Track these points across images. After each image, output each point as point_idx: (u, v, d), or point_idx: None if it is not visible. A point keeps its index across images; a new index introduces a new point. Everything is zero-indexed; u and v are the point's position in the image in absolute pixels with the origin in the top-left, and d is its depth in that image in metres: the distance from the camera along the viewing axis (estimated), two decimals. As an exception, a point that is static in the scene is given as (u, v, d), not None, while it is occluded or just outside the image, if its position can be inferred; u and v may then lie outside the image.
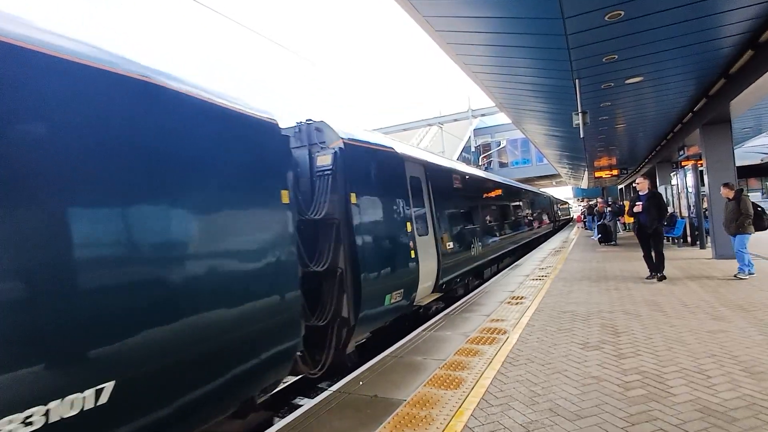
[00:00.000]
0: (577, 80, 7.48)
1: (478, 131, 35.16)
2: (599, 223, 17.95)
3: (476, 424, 2.97)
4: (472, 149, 26.98)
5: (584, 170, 24.65)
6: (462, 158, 28.05)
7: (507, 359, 4.22)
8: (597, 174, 22.66)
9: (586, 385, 3.48)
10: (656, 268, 7.80)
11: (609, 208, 17.44)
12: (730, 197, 7.87)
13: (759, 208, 7.65)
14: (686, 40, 6.28)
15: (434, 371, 4.05)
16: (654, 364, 3.82)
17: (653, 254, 7.89)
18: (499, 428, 2.88)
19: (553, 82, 8.33)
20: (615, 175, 23.04)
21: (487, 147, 36.47)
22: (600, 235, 16.99)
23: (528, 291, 7.77)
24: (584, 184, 34.88)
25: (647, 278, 7.91)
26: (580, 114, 7.47)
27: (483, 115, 30.59)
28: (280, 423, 3.17)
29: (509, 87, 9.14)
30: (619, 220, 17.41)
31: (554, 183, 47.04)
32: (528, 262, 12.79)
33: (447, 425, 2.97)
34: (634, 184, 7.42)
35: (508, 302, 6.93)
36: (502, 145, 35.74)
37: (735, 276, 7.53)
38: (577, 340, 4.66)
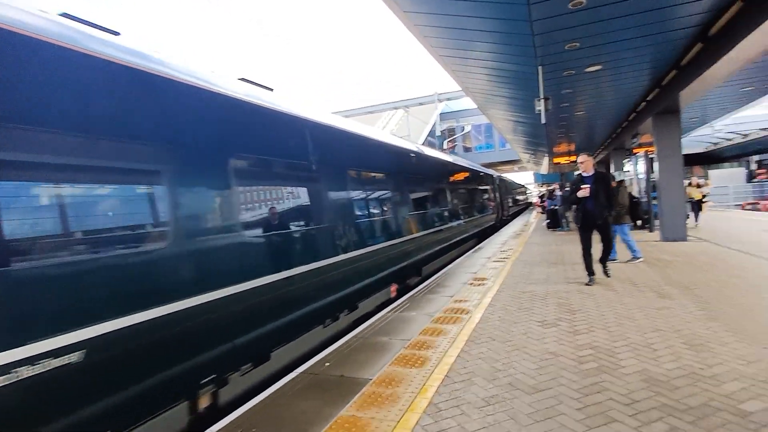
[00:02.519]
0: (540, 67, 7.63)
1: (443, 116, 35.41)
2: (549, 208, 17.47)
3: (440, 399, 3.06)
4: (438, 134, 27.11)
5: (545, 156, 25.41)
6: (427, 142, 28.18)
7: (470, 338, 4.35)
8: (556, 160, 23.40)
9: (543, 360, 3.65)
10: (603, 259, 6.59)
11: (560, 193, 17.08)
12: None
13: (634, 199, 8.26)
14: (643, 30, 6.53)
15: (399, 351, 4.12)
16: (606, 339, 4.05)
17: (603, 247, 6.53)
18: (462, 403, 2.99)
19: (517, 68, 8.47)
20: (573, 161, 23.90)
21: (452, 132, 36.85)
22: (549, 221, 16.85)
23: (490, 272, 8.01)
24: (544, 169, 36.01)
25: (587, 284, 6.33)
26: (542, 100, 7.64)
27: (449, 99, 30.80)
28: (246, 405, 3.15)
29: (475, 71, 9.22)
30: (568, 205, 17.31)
31: (516, 168, 48.26)
32: (490, 245, 13.14)
33: (412, 402, 3.05)
34: (578, 163, 6.81)
35: (471, 283, 7.12)
36: (466, 130, 36.17)
37: (630, 261, 7.93)
38: (536, 318, 4.86)
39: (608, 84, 9.54)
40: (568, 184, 27.00)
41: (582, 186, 6.27)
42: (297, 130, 5.03)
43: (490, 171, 22.06)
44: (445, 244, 10.82)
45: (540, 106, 7.62)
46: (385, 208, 7.53)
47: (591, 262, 6.44)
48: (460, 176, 14.31)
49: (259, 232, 4.16)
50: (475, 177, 16.99)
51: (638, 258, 7.97)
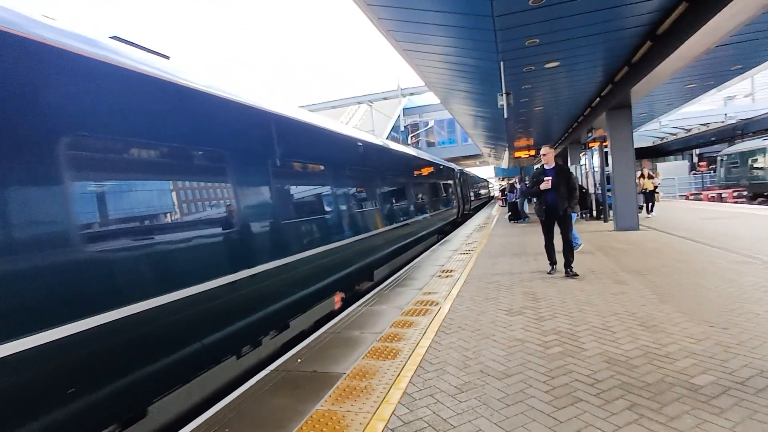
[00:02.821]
0: (502, 62, 7.81)
1: (407, 111, 35.64)
2: (510, 201, 18.08)
3: (414, 389, 3.10)
4: (402, 128, 27.22)
5: (505, 150, 26.11)
6: (391, 137, 28.29)
7: (440, 328, 4.43)
8: (516, 154, 24.09)
9: (511, 347, 3.77)
10: (566, 262, 6.38)
11: (518, 186, 17.72)
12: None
13: (584, 189, 8.61)
14: (596, 28, 6.81)
15: (372, 344, 4.14)
16: (568, 324, 4.23)
17: (562, 243, 6.40)
18: (436, 392, 3.04)
19: (479, 62, 8.63)
20: (532, 156, 24.69)
21: (415, 127, 37.15)
22: (510, 213, 17.51)
23: (457, 264, 8.17)
24: (505, 164, 37.02)
25: (549, 273, 6.58)
26: (504, 95, 7.83)
27: (412, 94, 31.00)
28: (217, 405, 3.07)
29: (438, 66, 9.31)
30: (528, 198, 17.86)
31: (478, 163, 49.32)
32: (456, 237, 13.39)
33: (386, 393, 3.07)
34: (540, 155, 6.89)
35: (439, 275, 7.24)
36: (429, 125, 36.56)
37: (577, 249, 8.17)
38: (503, 307, 5.01)
39: (565, 80, 9.90)
40: (527, 178, 27.89)
41: (544, 178, 6.30)
42: (186, 104, 3.68)
43: (451, 164, 20.79)
44: (402, 243, 9.90)
45: (503, 100, 7.81)
46: (325, 206, 6.35)
47: (553, 253, 6.63)
48: (418, 170, 13.19)
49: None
50: (435, 170, 15.79)
51: (578, 245, 8.15)
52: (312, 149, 6.22)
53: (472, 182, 30.14)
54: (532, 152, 23.50)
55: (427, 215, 13.02)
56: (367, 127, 26.03)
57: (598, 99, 11.74)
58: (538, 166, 6.85)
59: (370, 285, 7.64)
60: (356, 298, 6.25)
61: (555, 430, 2.43)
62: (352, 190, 7.45)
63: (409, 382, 3.24)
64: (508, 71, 8.09)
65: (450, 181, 18.56)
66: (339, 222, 6.67)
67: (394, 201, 9.90)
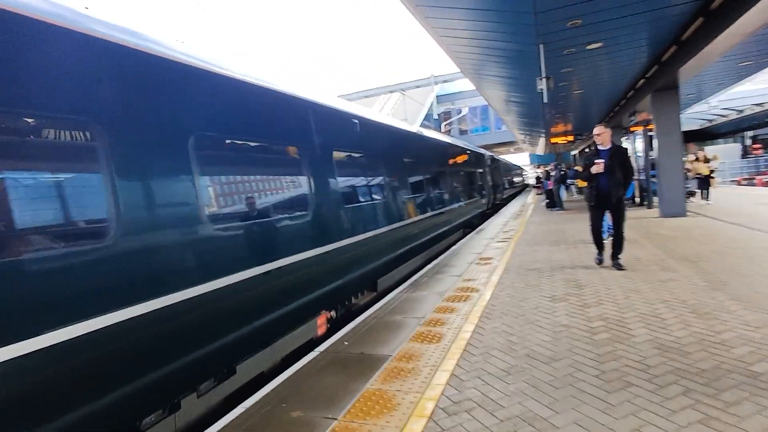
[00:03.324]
0: (541, 45, 7.62)
1: (440, 98, 35.24)
2: (546, 188, 17.54)
3: (461, 372, 3.17)
4: (435, 116, 26.97)
5: (541, 136, 25.44)
6: (423, 126, 28.10)
7: (483, 314, 4.46)
8: (553, 140, 23.45)
9: (557, 332, 3.76)
10: (614, 252, 5.93)
11: (554, 173, 17.08)
12: None
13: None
14: (644, 6, 6.51)
15: (415, 328, 4.22)
16: (615, 311, 4.17)
17: (614, 233, 5.96)
18: (483, 374, 3.10)
19: (517, 47, 8.45)
20: (570, 141, 23.96)
21: (447, 115, 36.73)
22: (547, 200, 17.09)
23: (495, 252, 8.12)
24: (540, 150, 36.10)
25: (597, 261, 6.17)
26: (544, 79, 7.64)
27: (445, 81, 30.60)
28: (272, 383, 3.24)
29: (474, 51, 9.18)
30: (565, 185, 17.19)
31: (512, 150, 48.29)
32: (491, 225, 13.25)
33: (434, 375, 3.15)
34: (594, 135, 5.91)
35: (477, 263, 7.23)
36: (463, 113, 36.03)
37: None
38: (545, 294, 4.98)
39: (608, 62, 9.53)
40: (563, 165, 26.91)
41: (596, 161, 5.65)
42: None
43: (480, 150, 18.29)
44: (415, 243, 8.06)
45: (542, 85, 7.63)
46: (314, 198, 4.69)
47: (601, 239, 6.13)
48: (437, 155, 11.08)
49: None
50: (459, 155, 13.45)
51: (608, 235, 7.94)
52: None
53: (504, 169, 27.90)
54: (570, 138, 22.80)
55: (449, 208, 10.97)
56: (400, 116, 25.90)
57: (642, 80, 11.24)
58: (587, 147, 6.72)
59: (372, 297, 6.33)
60: (354, 315, 5.18)
61: (607, 412, 2.44)
62: (340, 179, 5.39)
63: (456, 364, 3.30)
64: (547, 54, 7.87)
65: (479, 169, 16.42)
66: (342, 220, 5.31)
67: (404, 192, 7.83)
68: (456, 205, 11.71)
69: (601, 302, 4.49)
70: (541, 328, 3.89)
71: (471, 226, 13.65)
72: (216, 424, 2.70)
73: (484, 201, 16.53)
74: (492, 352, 3.48)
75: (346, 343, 4.01)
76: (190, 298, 2.95)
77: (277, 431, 2.58)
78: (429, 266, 7.48)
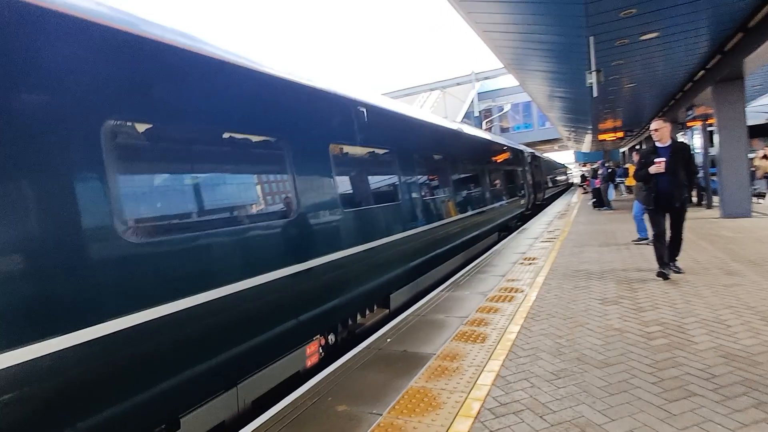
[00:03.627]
0: (591, 37, 7.31)
1: (481, 95, 34.60)
2: (594, 187, 16.92)
3: (507, 373, 3.09)
4: (475, 114, 26.52)
5: (587, 133, 24.46)
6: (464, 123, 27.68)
7: (528, 315, 4.33)
8: (601, 137, 22.51)
9: (609, 336, 3.59)
10: (671, 254, 5.42)
11: (600, 172, 16.32)
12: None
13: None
14: (707, -9, 6.12)
15: (458, 328, 4.16)
16: (673, 316, 3.93)
17: (670, 237, 5.35)
18: (531, 376, 3.00)
19: (564, 39, 8.16)
20: (619, 138, 22.91)
21: (488, 112, 36.02)
22: (594, 200, 16.44)
23: (539, 252, 7.88)
24: (586, 147, 34.72)
25: (659, 274, 5.25)
26: (594, 73, 7.32)
27: (487, 78, 29.99)
28: (317, 377, 3.29)
29: (519, 46, 8.95)
30: (613, 183, 16.41)
31: (556, 147, 46.77)
32: (535, 225, 12.88)
33: (479, 375, 3.09)
34: (651, 131, 5.26)
35: (521, 263, 7.04)
36: (505, 110, 35.20)
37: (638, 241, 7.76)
38: (595, 296, 4.77)
39: (663, 52, 9.01)
40: (611, 163, 25.69)
41: (655, 159, 5.07)
42: None
43: (518, 146, 16.79)
44: (436, 251, 6.82)
45: (591, 78, 7.32)
46: (303, 200, 3.77)
47: (664, 250, 5.32)
48: (465, 150, 9.52)
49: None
50: (492, 151, 11.98)
51: (645, 239, 7.64)
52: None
53: (547, 167, 26.00)
54: (619, 134, 21.81)
55: (480, 210, 9.46)
56: (440, 114, 25.68)
57: (702, 72, 10.54)
58: (640, 144, 6.26)
59: (382, 316, 5.34)
60: (360, 337, 4.54)
61: (668, 422, 2.30)
62: (339, 178, 4.42)
63: (501, 365, 3.22)
64: (598, 46, 7.54)
65: (517, 167, 14.89)
66: (345, 226, 4.38)
67: (423, 192, 6.56)
68: (488, 207, 10.13)
69: (657, 306, 4.24)
70: (591, 332, 3.73)
71: (507, 229, 12.50)
72: (266, 412, 2.78)
73: (522, 201, 14.81)
74: (540, 354, 3.37)
75: (388, 340, 4.01)
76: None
77: (325, 423, 2.61)
78: (470, 266, 7.35)
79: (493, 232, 10.95)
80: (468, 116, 31.43)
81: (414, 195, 6.18)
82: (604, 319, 4.00)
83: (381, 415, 2.65)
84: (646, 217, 6.71)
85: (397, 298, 5.58)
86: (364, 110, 5.06)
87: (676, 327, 3.65)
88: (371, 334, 4.25)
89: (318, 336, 4.04)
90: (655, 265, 5.35)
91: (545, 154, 31.71)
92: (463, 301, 5.15)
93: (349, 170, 4.83)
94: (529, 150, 18.80)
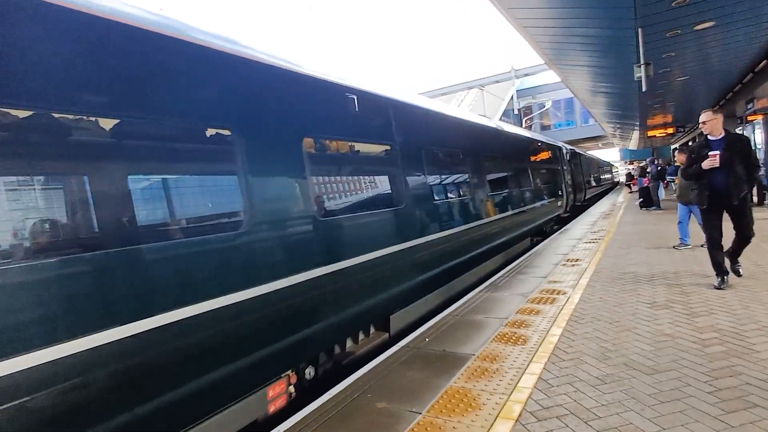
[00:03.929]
0: (640, 29, 6.98)
1: (520, 92, 33.80)
2: (641, 186, 16.13)
3: (550, 376, 3.02)
4: (515, 111, 25.90)
5: (634, 129, 23.36)
6: (503, 122, 27.10)
7: (571, 318, 4.20)
8: (650, 133, 21.43)
9: (659, 341, 3.43)
10: (733, 253, 4.97)
11: (649, 170, 15.41)
12: (684, 164, 7.86)
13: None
14: (770, -24, 5.70)
15: (498, 329, 4.10)
16: (731, 322, 3.70)
17: (735, 238, 4.84)
18: (575, 380, 2.92)
19: (611, 32, 7.84)
20: (669, 134, 21.72)
21: (528, 110, 35.10)
22: (642, 199, 15.68)
23: (583, 253, 7.62)
24: (633, 145, 33.15)
25: (717, 285, 4.76)
26: (643, 66, 6.99)
27: (526, 74, 29.24)
28: (356, 373, 3.34)
29: (562, 41, 8.68)
30: (663, 181, 15.53)
31: (600, 145, 45.01)
32: (577, 225, 12.45)
33: (520, 378, 3.03)
34: (700, 123, 4.79)
35: (564, 264, 6.83)
36: (546, 107, 34.18)
37: (679, 246, 7.34)
38: (644, 300, 4.56)
39: (719, 43, 8.47)
40: (660, 160, 24.37)
41: (709, 153, 4.61)
42: None
43: (556, 142, 15.33)
44: (456, 261, 5.97)
45: (640, 72, 6.99)
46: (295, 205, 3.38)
47: (721, 258, 4.83)
48: (490, 148, 8.33)
49: None
50: (521, 147, 10.76)
51: (686, 245, 7.28)
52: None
53: (589, 165, 23.77)
54: (670, 130, 20.68)
55: (505, 215, 8.17)
56: (478, 112, 25.26)
57: (764, 62, 9.83)
58: (691, 140, 5.80)
59: (384, 340, 4.60)
60: (351, 367, 3.84)
61: (725, 434, 2.18)
62: (314, 177, 3.67)
63: (543, 368, 3.15)
64: (647, 38, 7.19)
65: (553, 165, 13.48)
66: (329, 238, 3.69)
67: (436, 193, 5.67)
68: (515, 211, 8.73)
69: (713, 312, 4.01)
70: (640, 336, 3.57)
71: (541, 233, 11.52)
72: (308, 407, 2.85)
73: (559, 203, 13.36)
74: (584, 358, 3.27)
75: (426, 339, 4.01)
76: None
77: (364, 419, 2.65)
78: (510, 266, 7.21)
79: (522, 238, 9.59)
80: (507, 114, 30.80)
81: (416, 198, 5.12)
82: (654, 324, 3.82)
83: (420, 413, 2.66)
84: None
85: (399, 319, 4.74)
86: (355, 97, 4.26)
87: (734, 334, 3.44)
88: (367, 362, 3.58)
89: (288, 372, 3.28)
90: (710, 270, 4.96)
91: (589, 152, 30.39)
92: (502, 302, 5.06)
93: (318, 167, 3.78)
94: (569, 147, 17.42)
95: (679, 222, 7.46)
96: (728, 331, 3.51)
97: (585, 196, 19.44)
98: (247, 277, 2.81)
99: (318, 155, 3.81)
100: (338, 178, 4.12)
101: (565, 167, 15.13)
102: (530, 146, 11.53)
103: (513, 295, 5.30)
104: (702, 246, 7.02)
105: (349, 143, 4.32)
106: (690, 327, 3.68)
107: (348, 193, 4.24)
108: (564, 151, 15.64)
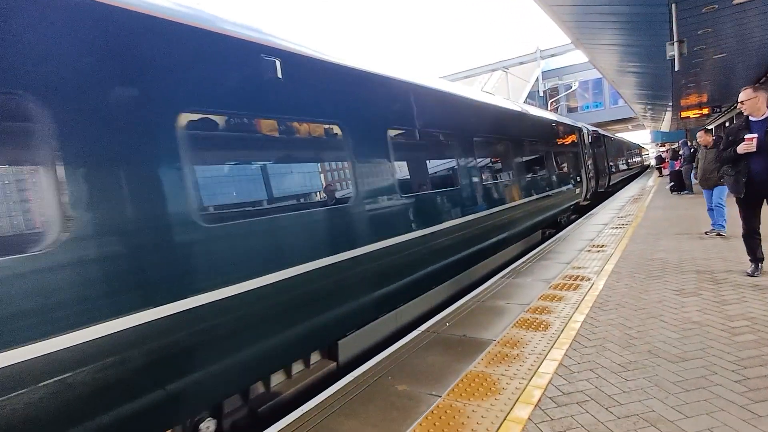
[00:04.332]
0: (673, 5, 6.66)
1: (545, 74, 32.80)
2: (673, 170, 15.46)
3: (571, 362, 3.00)
4: (540, 93, 25.21)
5: (666, 110, 22.44)
6: (528, 104, 26.41)
7: (595, 304, 4.15)
8: (683, 114, 20.55)
9: (686, 329, 3.36)
10: None
11: (681, 152, 14.59)
12: (709, 145, 7.27)
13: None
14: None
15: (519, 315, 4.09)
16: (764, 311, 3.58)
17: None
18: (596, 367, 2.90)
19: (641, 9, 7.50)
20: (705, 115, 20.78)
21: (554, 91, 34.08)
22: (672, 183, 15.09)
23: (609, 239, 7.45)
24: (665, 126, 31.88)
25: (751, 272, 4.57)
26: (676, 44, 6.68)
27: (552, 55, 28.34)
28: (378, 356, 3.40)
29: (589, 19, 8.36)
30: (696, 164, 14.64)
31: (630, 127, 43.50)
32: (604, 210, 12.15)
33: (540, 363, 3.03)
34: (738, 103, 4.32)
35: (588, 250, 6.71)
36: (573, 88, 33.13)
37: (713, 234, 6.93)
38: (671, 287, 4.45)
39: (761, 17, 7.99)
40: (694, 142, 23.47)
41: (746, 136, 4.22)
42: None
43: (574, 123, 13.61)
44: (427, 270, 4.79)
45: (673, 50, 6.69)
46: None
47: (758, 245, 4.57)
48: (497, 127, 7.23)
49: None
50: (535, 130, 9.30)
51: (722, 227, 6.92)
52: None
53: (615, 148, 21.85)
54: (705, 110, 19.79)
55: (512, 205, 7.03)
56: (502, 94, 24.68)
57: (809, 36, 9.24)
58: (728, 121, 5.30)
59: (331, 370, 3.67)
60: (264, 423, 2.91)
61: (752, 423, 2.13)
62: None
63: (564, 354, 3.14)
64: (681, 15, 6.86)
65: (570, 148, 11.95)
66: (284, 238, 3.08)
67: (417, 173, 5.07)
68: (520, 202, 7.40)
69: (745, 299, 3.88)
70: (666, 324, 3.50)
71: (555, 225, 10.33)
72: (330, 388, 2.93)
73: (578, 191, 11.85)
74: (606, 345, 3.24)
75: (447, 324, 4.04)
76: None
77: (385, 401, 2.71)
78: (532, 252, 7.12)
79: (528, 233, 8.25)
80: (532, 96, 30.00)
81: (374, 192, 4.03)
82: (681, 312, 3.74)
83: (440, 396, 2.70)
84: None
85: (349, 346, 3.80)
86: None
87: (767, 323, 3.33)
88: (295, 408, 2.75)
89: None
90: (744, 257, 4.80)
91: (618, 135, 28.96)
92: (524, 288, 5.03)
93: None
94: (591, 128, 15.84)
95: (709, 209, 7.22)
96: (761, 319, 3.40)
97: (609, 182, 17.80)
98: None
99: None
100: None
101: (585, 150, 13.58)
102: (541, 126, 9.91)
103: (535, 281, 5.25)
104: (716, 235, 6.88)
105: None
106: (719, 315, 3.58)
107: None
108: (585, 132, 14.09)
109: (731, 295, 4.04)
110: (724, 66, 11.94)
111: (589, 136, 14.65)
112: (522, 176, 7.83)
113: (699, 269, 5.03)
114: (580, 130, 13.39)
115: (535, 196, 8.28)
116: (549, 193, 9.27)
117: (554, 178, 9.75)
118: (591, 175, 13.83)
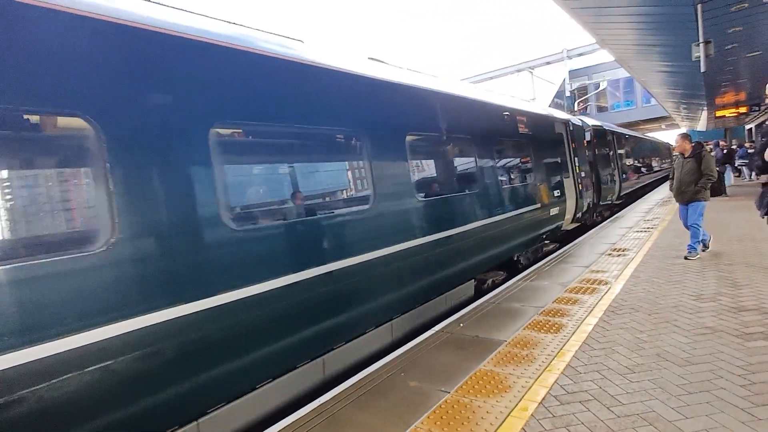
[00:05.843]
0: (699, 5, 6.56)
1: (573, 73, 32.15)
2: None
3: (579, 364, 3.10)
4: (567, 93, 24.75)
5: (702, 109, 21.66)
6: (554, 104, 26.01)
7: (609, 308, 4.20)
8: (719, 113, 19.82)
9: (698, 334, 3.39)
10: None
11: (716, 151, 13.38)
12: (686, 153, 5.95)
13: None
14: None
15: (533, 317, 4.18)
16: (781, 317, 3.56)
17: None
18: (603, 369, 2.98)
19: (667, 9, 7.40)
20: (743, 113, 19.96)
21: (582, 91, 33.35)
22: None
23: (632, 243, 7.38)
24: (701, 125, 30.66)
25: None
26: (701, 45, 6.58)
27: (580, 54, 27.76)
28: (392, 354, 3.58)
29: (615, 21, 8.29)
30: (732, 165, 13.67)
31: (663, 126, 42.02)
32: (631, 213, 11.92)
33: (549, 364, 3.14)
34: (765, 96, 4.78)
35: (609, 254, 6.68)
36: (602, 87, 32.32)
37: (685, 257, 5.81)
38: (690, 292, 4.44)
39: (796, 14, 7.73)
40: (734, 142, 22.35)
41: None
42: None
43: (556, 115, 9.62)
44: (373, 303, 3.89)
45: (699, 51, 6.57)
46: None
47: None
48: (455, 121, 5.33)
49: None
50: (469, 122, 5.67)
51: (705, 241, 6.03)
52: None
53: (631, 148, 17.70)
54: (743, 109, 19.00)
55: (460, 230, 5.03)
56: (528, 95, 24.37)
57: None
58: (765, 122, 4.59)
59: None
60: None
61: (749, 425, 2.20)
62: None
63: (573, 356, 3.23)
64: (707, 15, 6.75)
65: (543, 149, 7.92)
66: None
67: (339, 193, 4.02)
68: (431, 237, 4.54)
69: (764, 305, 3.86)
70: (678, 329, 3.53)
71: (510, 264, 6.75)
72: (346, 382, 3.13)
73: (556, 210, 8.00)
74: (616, 348, 3.31)
75: (461, 324, 4.17)
76: None
77: (397, 396, 2.89)
78: (552, 255, 7.13)
79: (455, 284, 5.19)
80: (559, 96, 29.48)
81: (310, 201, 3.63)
82: (696, 317, 3.75)
83: (449, 392, 2.86)
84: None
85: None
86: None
87: (782, 329, 3.32)
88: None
89: None
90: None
91: (635, 132, 24.22)
92: (541, 291, 5.10)
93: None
94: (591, 122, 12.03)
95: (694, 225, 5.92)
96: (776, 325, 3.40)
97: (619, 192, 13.62)
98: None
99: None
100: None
101: (578, 152, 9.84)
102: (479, 117, 6.01)
103: (552, 284, 5.31)
104: (685, 258, 5.83)
105: None
106: (735, 321, 3.58)
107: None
108: (574, 128, 9.90)
109: (750, 300, 4.02)
110: (762, 63, 11.51)
111: (585, 133, 11.00)
112: (429, 196, 4.70)
113: (722, 275, 4.98)
114: (565, 124, 9.42)
115: (455, 230, 4.98)
116: (488, 220, 5.65)
117: (504, 194, 6.26)
118: (586, 185, 10.18)
